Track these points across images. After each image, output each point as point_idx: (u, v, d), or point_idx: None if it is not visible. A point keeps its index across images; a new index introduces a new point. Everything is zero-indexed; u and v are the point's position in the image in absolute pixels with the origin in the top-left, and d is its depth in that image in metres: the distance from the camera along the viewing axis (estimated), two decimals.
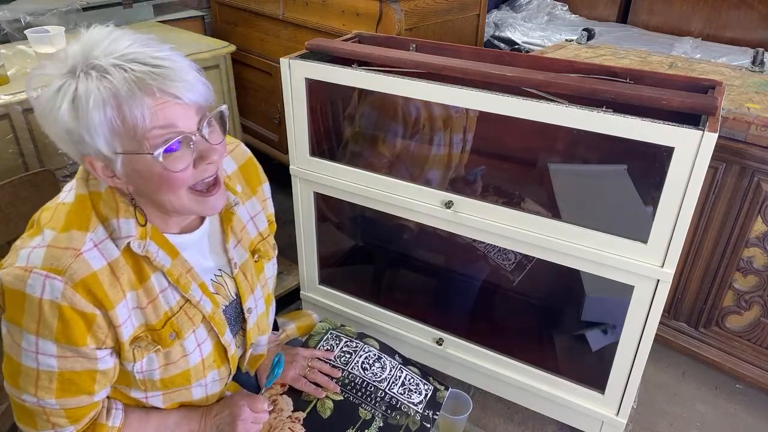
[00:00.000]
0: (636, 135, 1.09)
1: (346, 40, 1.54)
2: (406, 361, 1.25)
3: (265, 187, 1.08)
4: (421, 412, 1.15)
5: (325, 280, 1.74)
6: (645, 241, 1.17)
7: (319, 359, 1.18)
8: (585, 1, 3.77)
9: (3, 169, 1.45)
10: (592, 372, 1.44)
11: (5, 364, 0.83)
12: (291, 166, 1.56)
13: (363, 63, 1.40)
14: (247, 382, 1.14)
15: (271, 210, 1.10)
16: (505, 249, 1.50)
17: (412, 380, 1.20)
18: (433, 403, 1.18)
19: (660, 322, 1.32)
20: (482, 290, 1.74)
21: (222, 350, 0.97)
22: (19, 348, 0.80)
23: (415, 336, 1.61)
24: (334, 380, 1.15)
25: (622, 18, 3.65)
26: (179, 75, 0.75)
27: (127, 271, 0.83)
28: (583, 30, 2.15)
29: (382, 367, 1.20)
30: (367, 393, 1.15)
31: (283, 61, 1.42)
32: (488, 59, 1.37)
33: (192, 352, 0.91)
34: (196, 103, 0.78)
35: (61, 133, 0.76)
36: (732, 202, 1.56)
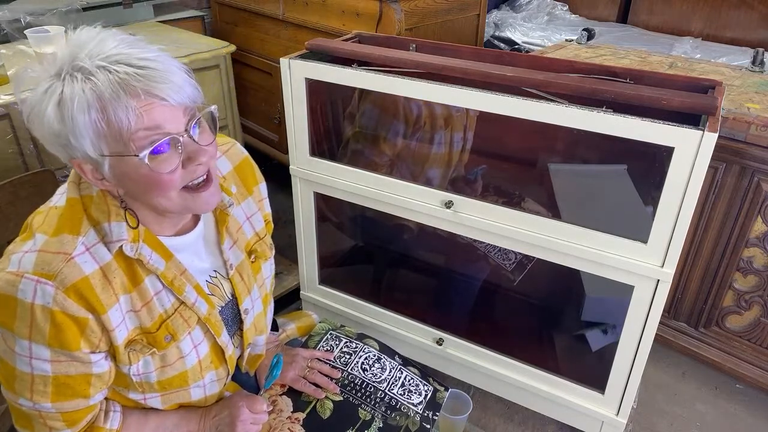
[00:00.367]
0: (636, 135, 1.09)
1: (346, 40, 1.54)
2: (406, 362, 1.25)
3: (262, 187, 1.08)
4: (420, 412, 1.15)
5: (325, 280, 1.74)
6: (645, 241, 1.17)
7: (319, 360, 1.18)
8: (585, 1, 3.77)
9: (3, 169, 1.45)
10: (592, 372, 1.44)
11: (1, 368, 0.83)
12: (291, 166, 1.56)
13: (363, 63, 1.40)
14: (246, 382, 1.14)
15: (268, 210, 1.10)
16: (506, 249, 1.50)
17: (411, 381, 1.20)
18: (433, 404, 1.18)
19: (660, 322, 1.32)
20: (482, 290, 1.74)
21: (219, 351, 0.96)
22: (13, 353, 0.79)
23: (415, 336, 1.61)
24: (334, 381, 1.15)
25: (622, 18, 3.65)
26: (165, 76, 0.74)
27: (119, 275, 0.82)
28: (583, 30, 2.15)
29: (382, 368, 1.20)
30: (367, 394, 1.15)
31: (283, 61, 1.42)
32: (488, 59, 1.37)
33: (188, 354, 0.91)
34: (183, 104, 0.77)
35: (49, 136, 0.75)
36: (732, 202, 1.56)
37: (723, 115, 1.42)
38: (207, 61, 1.84)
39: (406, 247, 1.84)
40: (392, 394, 1.16)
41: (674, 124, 1.06)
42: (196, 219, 0.94)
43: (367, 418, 1.11)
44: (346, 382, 1.16)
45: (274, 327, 1.27)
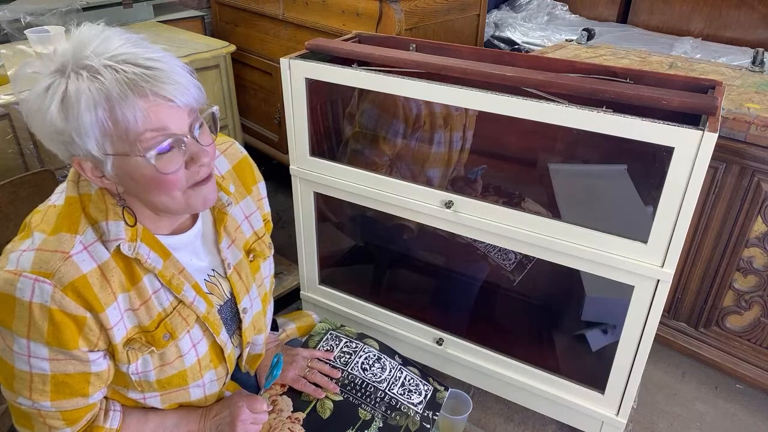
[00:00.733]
0: (636, 135, 1.09)
1: (346, 40, 1.54)
2: (406, 362, 1.25)
3: (261, 186, 1.08)
4: (420, 412, 1.15)
5: (325, 280, 1.74)
6: (645, 241, 1.17)
7: (319, 360, 1.18)
8: (585, 1, 3.77)
9: (3, 169, 1.45)
10: (592, 372, 1.44)
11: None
12: (291, 166, 1.56)
13: (363, 63, 1.40)
14: (247, 382, 1.14)
15: (267, 209, 1.10)
16: (506, 249, 1.50)
17: (411, 381, 1.20)
18: (433, 404, 1.18)
19: (660, 322, 1.32)
20: (482, 290, 1.74)
21: (218, 350, 0.96)
22: (12, 352, 0.79)
23: (415, 336, 1.61)
24: (334, 381, 1.15)
25: (622, 18, 3.65)
26: (172, 77, 0.74)
27: (117, 273, 0.82)
28: (583, 30, 2.15)
29: (382, 368, 1.20)
30: (367, 393, 1.15)
31: (283, 61, 1.42)
32: (488, 59, 1.37)
33: (187, 353, 0.91)
34: (189, 105, 0.77)
35: (50, 133, 0.75)
36: (732, 202, 1.56)
37: (723, 115, 1.42)
38: (207, 61, 1.84)
39: (406, 247, 1.84)
40: (392, 394, 1.16)
41: (674, 124, 1.06)
42: (194, 218, 0.94)
43: (367, 418, 1.11)
44: (346, 381, 1.16)
45: (274, 327, 1.27)
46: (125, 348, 0.84)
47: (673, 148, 1.07)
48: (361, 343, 1.24)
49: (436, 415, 1.16)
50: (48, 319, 0.77)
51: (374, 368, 1.19)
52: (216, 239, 0.97)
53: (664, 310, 1.28)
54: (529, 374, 1.47)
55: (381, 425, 1.10)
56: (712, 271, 1.66)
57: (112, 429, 0.90)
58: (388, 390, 1.16)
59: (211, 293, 0.95)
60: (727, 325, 1.69)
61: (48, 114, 0.73)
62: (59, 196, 0.84)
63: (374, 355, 1.22)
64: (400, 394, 1.16)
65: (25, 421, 0.86)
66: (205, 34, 2.32)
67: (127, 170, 0.77)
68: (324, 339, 1.24)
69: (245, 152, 1.06)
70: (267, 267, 1.08)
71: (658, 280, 1.19)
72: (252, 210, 1.05)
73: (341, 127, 1.70)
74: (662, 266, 1.17)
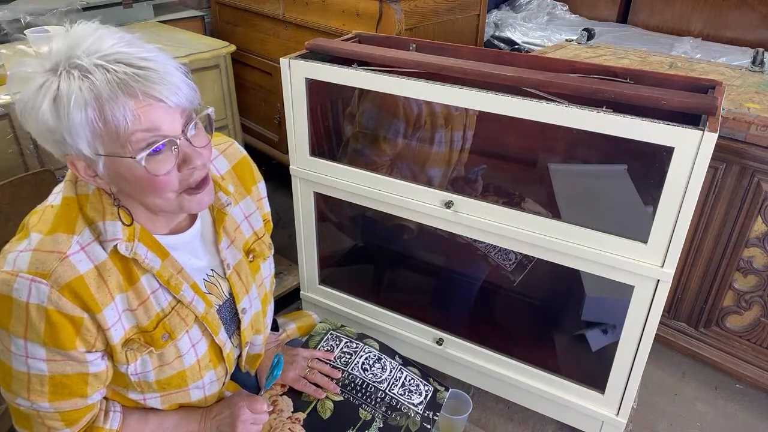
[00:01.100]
0: (636, 135, 1.09)
1: (346, 40, 1.54)
2: (406, 362, 1.25)
3: (261, 186, 1.08)
4: (421, 413, 1.15)
5: (325, 280, 1.74)
6: (645, 241, 1.17)
7: (319, 360, 1.18)
8: (585, 1, 3.77)
9: (3, 169, 1.45)
10: (592, 372, 1.44)
11: None
12: (291, 166, 1.56)
13: (363, 63, 1.40)
14: (247, 382, 1.14)
15: (267, 209, 1.10)
16: (506, 249, 1.50)
17: (412, 381, 1.20)
18: (433, 404, 1.18)
19: (660, 322, 1.32)
20: (482, 290, 1.74)
21: (217, 350, 0.96)
22: (9, 352, 0.79)
23: (415, 336, 1.61)
24: (334, 381, 1.15)
25: (622, 18, 3.65)
26: (164, 77, 0.74)
27: (115, 274, 0.82)
28: (583, 30, 2.15)
29: (383, 368, 1.20)
30: (367, 394, 1.15)
31: (283, 61, 1.42)
32: (488, 59, 1.37)
33: (187, 353, 0.91)
34: (181, 106, 0.76)
35: (43, 132, 0.75)
36: (732, 202, 1.56)
37: (723, 115, 1.42)
38: (207, 61, 1.84)
39: (406, 247, 1.84)
40: (392, 394, 1.16)
41: (674, 124, 1.06)
42: (193, 217, 0.94)
43: (367, 418, 1.11)
44: (347, 382, 1.15)
45: (275, 327, 1.27)
46: (124, 348, 0.84)
47: (673, 148, 1.07)
48: (362, 344, 1.24)
49: (437, 416, 1.16)
50: (45, 320, 0.77)
51: (374, 368, 1.19)
52: (215, 239, 0.96)
53: (664, 310, 1.28)
54: (529, 374, 1.47)
55: (381, 425, 1.10)
56: (712, 271, 1.66)
57: (112, 430, 0.90)
58: (389, 390, 1.16)
59: (209, 293, 0.95)
60: (727, 325, 1.69)
61: (40, 113, 0.73)
62: (56, 196, 0.84)
63: (374, 356, 1.22)
64: (401, 395, 1.16)
65: (24, 422, 0.86)
66: (205, 34, 2.32)
67: (118, 171, 0.76)
68: (324, 339, 1.24)
69: (245, 152, 1.06)
70: (267, 267, 1.08)
71: (658, 280, 1.19)
72: (251, 210, 1.04)
73: (341, 127, 1.70)
74: (662, 266, 1.17)
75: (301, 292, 1.78)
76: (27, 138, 1.48)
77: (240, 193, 1.02)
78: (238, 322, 1.01)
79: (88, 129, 0.72)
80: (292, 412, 1.10)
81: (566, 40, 2.25)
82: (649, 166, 1.23)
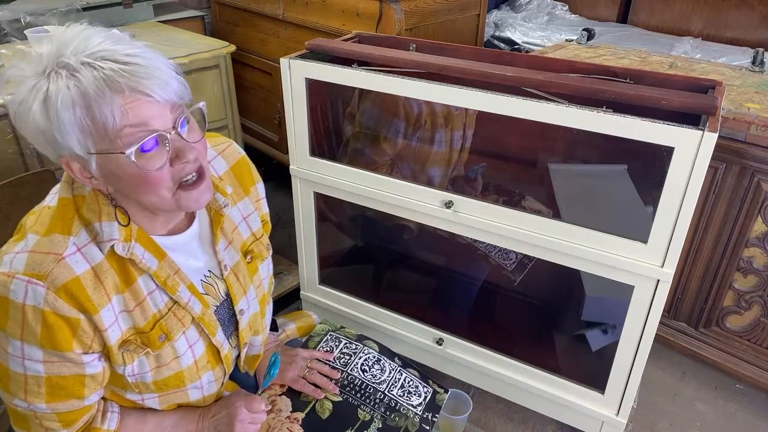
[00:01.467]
0: (636, 135, 1.09)
1: (346, 40, 1.54)
2: (406, 364, 1.25)
3: (259, 187, 1.07)
4: (420, 414, 1.15)
5: (325, 280, 1.74)
6: (645, 241, 1.17)
7: (319, 360, 1.18)
8: (585, 1, 3.77)
9: (3, 169, 1.45)
10: (592, 372, 1.44)
11: None
12: (291, 166, 1.56)
13: (363, 63, 1.40)
14: (246, 382, 1.13)
15: (265, 210, 1.09)
16: (506, 249, 1.49)
17: (411, 382, 1.20)
18: (433, 406, 1.18)
19: (660, 322, 1.32)
20: (483, 290, 1.74)
21: (215, 351, 0.96)
22: (6, 354, 0.79)
23: (415, 336, 1.61)
24: (333, 381, 1.15)
25: (622, 18, 3.65)
26: (150, 72, 0.73)
27: (111, 275, 0.82)
28: (583, 30, 2.15)
29: (382, 369, 1.20)
30: (366, 394, 1.14)
31: (283, 61, 1.42)
32: (488, 59, 1.37)
33: (184, 354, 0.90)
34: (170, 100, 0.76)
35: (36, 134, 0.75)
36: (732, 202, 1.56)
37: (723, 115, 1.42)
38: (207, 61, 1.84)
39: (406, 247, 1.84)
40: (392, 395, 1.16)
41: (674, 124, 1.06)
42: (191, 218, 0.94)
43: (366, 419, 1.10)
44: (346, 382, 1.15)
45: (274, 327, 1.27)
46: (120, 350, 0.84)
47: (673, 148, 1.06)
48: (361, 345, 1.24)
49: (436, 417, 1.16)
50: (41, 321, 0.77)
51: (374, 369, 1.19)
52: (213, 240, 0.96)
53: (664, 310, 1.28)
54: (529, 374, 1.47)
55: (380, 426, 1.10)
56: (712, 271, 1.66)
57: (110, 430, 0.90)
58: (388, 391, 1.16)
59: (206, 294, 0.94)
60: (727, 325, 1.69)
61: (31, 115, 0.73)
62: (53, 198, 0.84)
63: (374, 357, 1.22)
64: (400, 396, 1.16)
65: (22, 423, 0.86)
66: (205, 34, 2.32)
67: (111, 169, 0.76)
68: (324, 340, 1.24)
69: (243, 153, 1.06)
70: (265, 268, 1.08)
71: (658, 280, 1.19)
72: (250, 211, 1.04)
73: (341, 127, 1.70)
74: (662, 266, 1.17)
75: (301, 292, 1.78)
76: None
77: (238, 193, 1.02)
78: (236, 323, 1.00)
79: (77, 127, 0.72)
80: (290, 411, 1.10)
81: (566, 40, 2.25)
82: (649, 166, 1.23)
